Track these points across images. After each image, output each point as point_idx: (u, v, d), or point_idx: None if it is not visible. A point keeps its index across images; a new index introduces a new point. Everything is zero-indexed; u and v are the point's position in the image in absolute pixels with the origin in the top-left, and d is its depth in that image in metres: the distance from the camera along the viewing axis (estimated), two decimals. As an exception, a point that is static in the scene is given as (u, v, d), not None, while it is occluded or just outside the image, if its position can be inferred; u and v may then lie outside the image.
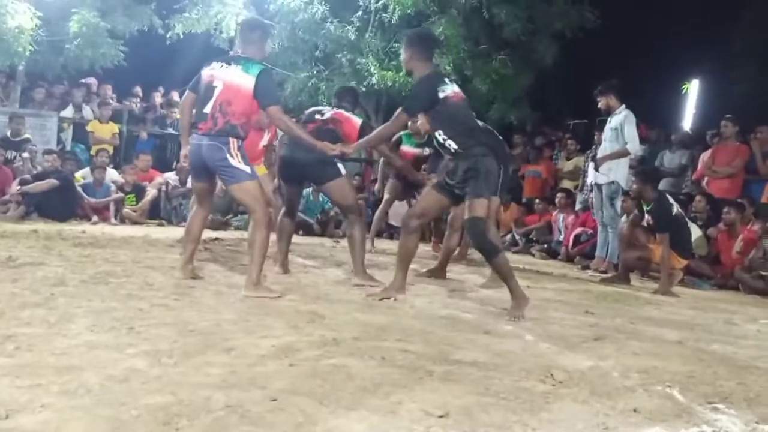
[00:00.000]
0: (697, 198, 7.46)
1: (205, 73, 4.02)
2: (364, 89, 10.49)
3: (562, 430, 1.93)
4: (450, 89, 3.95)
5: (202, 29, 10.42)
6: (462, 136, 3.94)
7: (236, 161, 3.86)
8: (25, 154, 8.71)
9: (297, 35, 10.85)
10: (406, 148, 6.78)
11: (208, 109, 3.89)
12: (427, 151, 6.68)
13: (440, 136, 3.96)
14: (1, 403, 1.78)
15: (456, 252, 6.02)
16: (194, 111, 4.05)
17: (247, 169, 3.90)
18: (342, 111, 4.85)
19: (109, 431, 1.68)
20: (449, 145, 3.95)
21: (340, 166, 4.67)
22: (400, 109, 4.07)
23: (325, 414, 1.89)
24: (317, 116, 4.76)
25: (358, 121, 4.86)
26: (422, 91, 3.97)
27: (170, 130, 10.51)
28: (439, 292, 4.56)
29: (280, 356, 2.47)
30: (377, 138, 4.34)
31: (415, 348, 2.75)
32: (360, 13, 10.63)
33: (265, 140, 5.84)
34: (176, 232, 7.64)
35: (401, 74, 10.09)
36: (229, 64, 3.97)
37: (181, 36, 10.41)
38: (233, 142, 3.87)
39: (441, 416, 1.93)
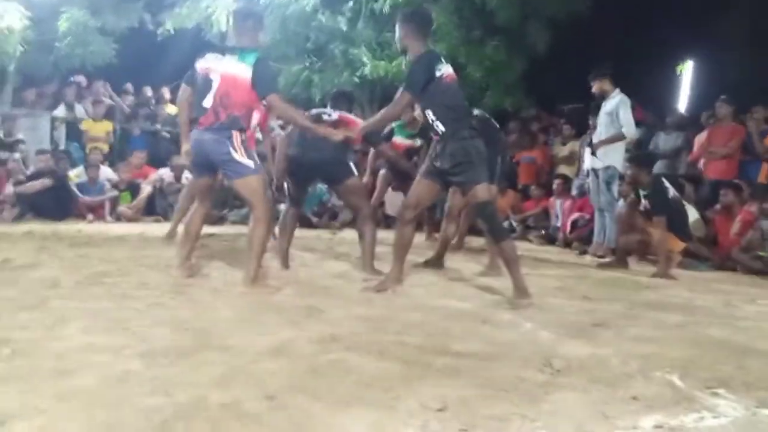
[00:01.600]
0: (686, 186, 7.47)
1: (200, 65, 3.93)
2: (357, 80, 10.45)
3: (561, 420, 1.92)
4: (445, 69, 3.92)
5: (193, 24, 10.34)
6: (450, 118, 3.89)
7: (239, 155, 3.80)
8: (17, 155, 8.67)
9: (288, 27, 10.78)
10: (399, 139, 6.74)
11: (208, 103, 3.81)
12: (418, 142, 6.66)
13: (429, 115, 3.92)
14: (-2, 409, 1.76)
15: (453, 241, 6.00)
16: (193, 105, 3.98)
17: (251, 163, 3.83)
18: (344, 113, 4.83)
19: (105, 435, 1.67)
20: (437, 126, 3.90)
21: (352, 165, 4.69)
22: (401, 90, 4.02)
23: (323, 411, 1.87)
24: (325, 117, 4.72)
25: (360, 122, 4.86)
26: (421, 68, 3.90)
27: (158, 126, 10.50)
28: (437, 282, 4.54)
29: (277, 353, 2.46)
30: (381, 120, 4.30)
31: (414, 341, 2.74)
32: (351, 3, 10.57)
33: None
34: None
35: (394, 64, 10.05)
36: (224, 55, 3.87)
37: (172, 32, 10.33)
38: (236, 136, 3.80)
39: (439, 410, 1.92)
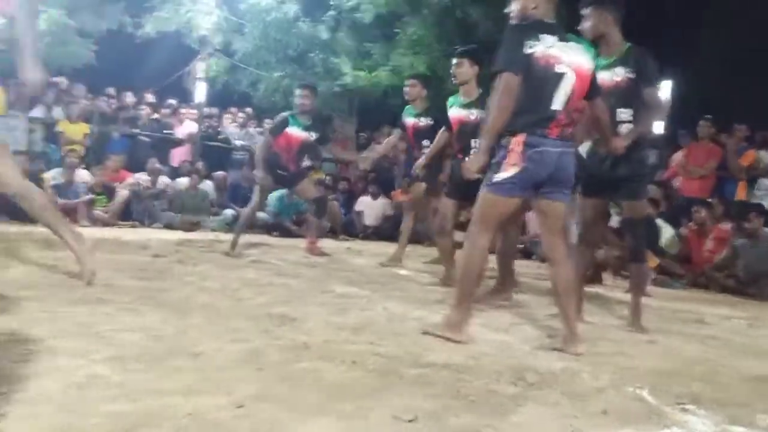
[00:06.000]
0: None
1: (540, 51, 2.99)
2: (338, 89, 10.46)
3: (531, 433, 1.92)
4: None
5: (173, 28, 10.30)
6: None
7: None
8: None
9: (269, 34, 10.80)
10: (408, 119, 6.12)
11: (559, 105, 3.02)
12: (424, 121, 5.93)
13: (624, 115, 3.67)
14: (-44, 414, 1.72)
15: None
16: (520, 103, 2.99)
17: None
18: None
19: (68, 441, 1.63)
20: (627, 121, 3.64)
21: None
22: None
23: (292, 420, 1.85)
24: None
25: None
26: (650, 62, 3.64)
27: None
28: (415, 293, 4.53)
29: (248, 361, 2.43)
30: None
31: (387, 351, 2.72)
32: (332, 12, 10.60)
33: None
34: (148, 234, 7.55)
35: (374, 74, 10.08)
36: (567, 41, 3.09)
37: (153, 35, 10.28)
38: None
39: (410, 420, 1.90)
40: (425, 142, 5.72)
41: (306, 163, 6.58)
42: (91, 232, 7.16)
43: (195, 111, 11.16)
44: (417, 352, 2.75)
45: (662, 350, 3.26)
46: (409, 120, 6.06)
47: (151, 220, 8.89)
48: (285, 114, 6.44)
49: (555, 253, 3.15)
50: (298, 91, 6.43)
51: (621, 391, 2.40)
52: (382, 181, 9.90)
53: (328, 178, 10.25)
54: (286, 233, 8.94)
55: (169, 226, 8.74)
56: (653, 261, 5.99)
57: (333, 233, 9.32)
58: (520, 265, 7.26)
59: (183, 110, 10.98)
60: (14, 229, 6.76)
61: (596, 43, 3.78)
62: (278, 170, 6.30)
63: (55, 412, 1.79)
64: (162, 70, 11.75)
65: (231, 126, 11.25)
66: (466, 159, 4.70)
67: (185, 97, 11.70)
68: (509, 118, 2.97)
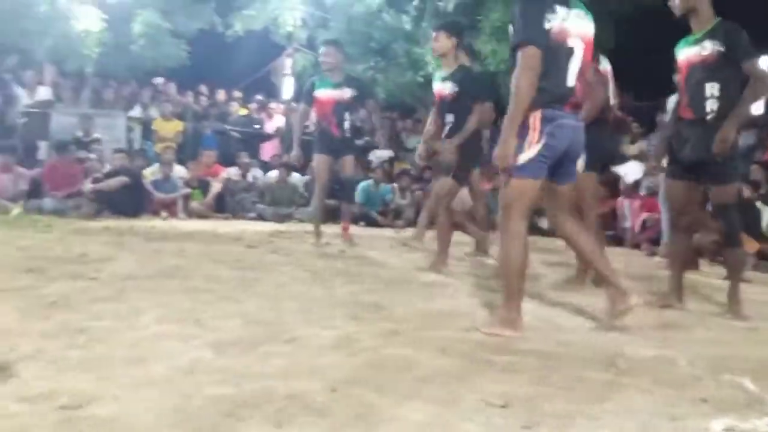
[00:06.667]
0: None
1: (556, 25, 2.86)
2: (421, 79, 10.47)
3: (625, 420, 1.89)
4: None
5: (260, 26, 10.58)
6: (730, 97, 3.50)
7: None
8: (93, 155, 9.04)
9: (353, 27, 10.90)
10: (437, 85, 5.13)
11: (572, 80, 2.95)
12: (450, 88, 4.86)
13: (714, 90, 3.52)
14: (76, 394, 1.86)
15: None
16: (541, 80, 2.85)
17: None
18: None
19: (176, 421, 1.73)
20: (711, 105, 3.52)
21: None
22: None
23: (385, 404, 1.90)
24: None
25: None
26: (742, 35, 3.48)
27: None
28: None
29: (340, 347, 2.50)
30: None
31: (476, 338, 2.74)
32: (416, 2, 10.59)
33: None
34: (241, 225, 7.83)
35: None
36: (571, 8, 2.94)
37: (241, 33, 10.60)
38: None
39: (502, 406, 1.92)
40: (449, 117, 4.88)
41: (347, 125, 6.05)
42: (188, 225, 7.50)
43: (282, 106, 11.44)
44: (504, 340, 2.75)
45: (764, 337, 3.13)
46: (439, 86, 5.00)
47: (243, 212, 9.20)
48: (312, 78, 6.37)
49: (567, 228, 3.09)
50: (321, 50, 6.25)
51: (719, 379, 2.32)
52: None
53: (413, 168, 10.30)
54: (372, 223, 9.06)
55: (260, 218, 9.03)
56: (753, 245, 5.71)
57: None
58: (611, 253, 7.10)
59: (272, 105, 11.26)
60: (119, 223, 7.16)
61: (685, 18, 3.65)
62: (327, 140, 6.07)
63: (162, 395, 1.91)
64: (250, 67, 12.11)
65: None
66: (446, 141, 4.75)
67: (273, 93, 12.00)
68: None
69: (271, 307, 3.18)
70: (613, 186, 8.93)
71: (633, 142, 9.38)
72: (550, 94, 2.87)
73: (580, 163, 4.14)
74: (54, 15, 9.34)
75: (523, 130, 2.88)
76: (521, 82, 2.79)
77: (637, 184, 8.50)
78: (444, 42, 4.79)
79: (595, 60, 4.11)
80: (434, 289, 3.98)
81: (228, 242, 5.89)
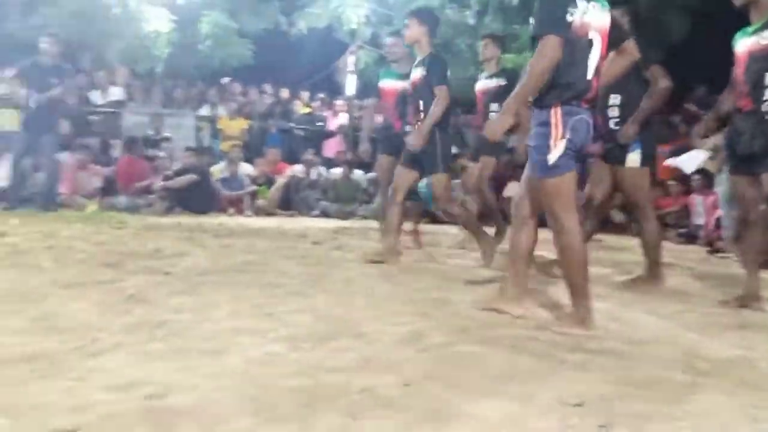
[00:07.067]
0: None
1: (577, 19, 2.79)
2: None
3: (705, 421, 1.84)
4: None
5: (324, 24, 10.69)
6: None
7: None
8: (162, 153, 9.33)
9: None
10: (481, 83, 5.86)
11: (591, 74, 2.88)
12: (495, 82, 5.69)
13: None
14: (159, 384, 1.92)
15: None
16: (563, 75, 2.82)
17: None
18: None
19: (254, 411, 1.77)
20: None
21: None
22: None
23: (459, 400, 1.90)
24: None
25: None
26: None
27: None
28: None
29: (410, 342, 2.51)
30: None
31: (547, 337, 2.71)
32: (479, -4, 10.54)
33: None
34: (305, 222, 7.94)
35: (522, 56, 9.90)
36: (590, 1, 2.85)
37: (305, 32, 10.73)
38: None
39: (577, 405, 1.89)
40: (494, 106, 5.49)
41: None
42: (254, 222, 7.66)
43: (346, 103, 11.54)
44: (577, 339, 2.70)
45: None
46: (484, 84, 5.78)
47: (308, 209, 9.33)
48: (380, 71, 6.28)
49: (565, 222, 2.93)
50: (387, 40, 6.11)
51: (806, 383, 2.24)
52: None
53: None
54: (435, 220, 9.03)
55: (324, 215, 9.13)
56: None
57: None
58: (686, 251, 6.90)
59: (338, 102, 11.36)
60: (189, 219, 7.36)
61: (746, 10, 3.57)
62: (390, 136, 5.68)
63: (240, 386, 1.96)
64: (314, 66, 12.24)
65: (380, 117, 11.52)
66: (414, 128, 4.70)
67: (337, 90, 12.10)
68: (543, 88, 2.81)
69: (340, 302, 3.22)
70: (685, 182, 8.68)
71: (706, 135, 9.07)
72: (571, 89, 2.83)
73: (635, 158, 4.10)
74: (126, 17, 9.66)
75: (543, 128, 2.87)
76: (536, 68, 2.76)
77: (710, 180, 8.23)
78: (415, 30, 4.80)
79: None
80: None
81: (294, 239, 5.98)
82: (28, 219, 6.44)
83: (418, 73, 4.81)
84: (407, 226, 6.17)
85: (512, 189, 5.97)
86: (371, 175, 9.44)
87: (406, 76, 5.55)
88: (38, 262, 3.94)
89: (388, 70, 5.96)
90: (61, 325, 2.55)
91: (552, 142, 2.84)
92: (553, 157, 2.84)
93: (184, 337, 2.47)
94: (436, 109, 4.61)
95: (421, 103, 4.75)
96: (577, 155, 2.93)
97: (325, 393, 1.91)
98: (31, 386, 1.88)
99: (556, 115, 2.83)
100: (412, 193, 6.17)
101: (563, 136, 2.83)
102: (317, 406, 1.82)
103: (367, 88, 12.55)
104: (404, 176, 4.82)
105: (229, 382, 1.99)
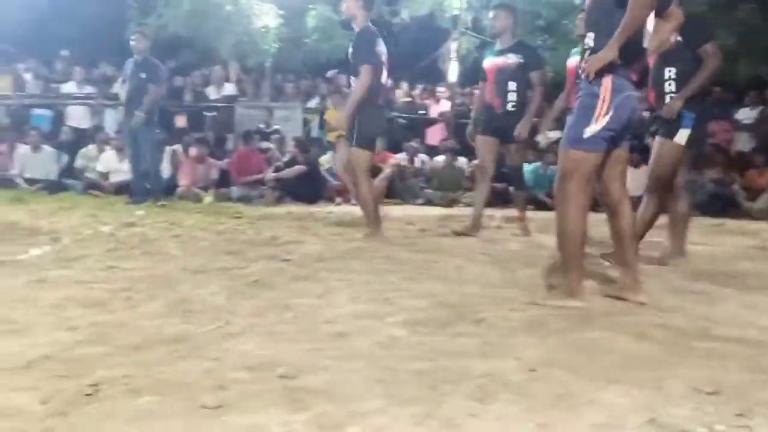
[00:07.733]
0: None
1: None
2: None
3: None
4: None
5: (426, 11, 10.69)
6: None
7: None
8: (271, 145, 9.63)
9: (518, 6, 10.71)
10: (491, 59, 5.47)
11: (646, 42, 2.89)
12: (512, 58, 5.32)
13: None
14: (290, 365, 2.01)
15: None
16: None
17: None
18: None
19: (382, 392, 1.82)
20: None
21: None
22: None
23: (586, 386, 1.88)
24: None
25: None
26: None
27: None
28: (689, 264, 4.26)
29: (531, 328, 2.50)
30: None
31: (672, 323, 2.63)
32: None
33: None
34: (411, 210, 8.00)
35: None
36: None
37: (408, 20, 10.78)
38: None
39: (711, 393, 1.83)
40: (512, 84, 5.29)
41: (511, 97, 5.37)
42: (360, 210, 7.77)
43: (448, 90, 11.50)
44: (704, 326, 2.61)
45: None
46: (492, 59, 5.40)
47: (412, 197, 9.39)
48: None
49: (612, 199, 3.00)
50: (491, 14, 5.73)
51: None
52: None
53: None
54: (541, 206, 8.86)
55: (428, 203, 9.16)
56: None
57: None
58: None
59: (441, 88, 11.32)
60: (299, 209, 7.59)
61: None
62: (489, 116, 5.48)
63: (367, 367, 2.01)
64: (417, 55, 12.27)
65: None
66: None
67: (440, 77, 12.06)
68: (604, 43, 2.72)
69: (454, 288, 3.24)
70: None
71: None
72: (626, 51, 2.73)
73: (684, 134, 3.98)
74: (237, 13, 10.01)
75: (590, 99, 2.82)
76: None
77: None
78: (350, 4, 4.78)
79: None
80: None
81: (401, 226, 6.04)
82: (150, 210, 6.83)
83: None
84: (515, 213, 6.09)
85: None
86: (475, 162, 9.35)
87: (503, 52, 5.40)
88: (167, 250, 4.19)
89: (491, 49, 5.78)
90: (195, 308, 2.71)
91: (595, 116, 2.82)
92: (590, 131, 2.82)
93: (309, 320, 2.57)
94: (357, 88, 4.71)
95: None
96: (613, 138, 2.89)
97: (448, 377, 1.94)
98: (173, 366, 2.01)
99: (606, 89, 2.79)
100: (518, 181, 6.07)
101: (606, 113, 2.80)
102: (442, 389, 1.85)
103: (469, 73, 12.47)
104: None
105: (356, 364, 2.05)
